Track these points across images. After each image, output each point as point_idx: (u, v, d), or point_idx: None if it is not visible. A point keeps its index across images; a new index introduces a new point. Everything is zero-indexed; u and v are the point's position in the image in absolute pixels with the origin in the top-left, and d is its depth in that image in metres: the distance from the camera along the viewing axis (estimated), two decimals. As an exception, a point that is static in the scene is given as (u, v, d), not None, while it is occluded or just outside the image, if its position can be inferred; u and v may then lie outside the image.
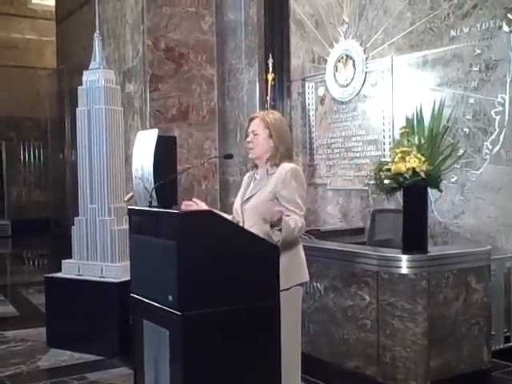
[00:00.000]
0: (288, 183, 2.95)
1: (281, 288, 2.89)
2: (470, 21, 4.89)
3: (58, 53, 12.91)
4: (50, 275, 5.37)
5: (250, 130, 3.09)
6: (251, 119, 3.12)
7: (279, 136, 3.06)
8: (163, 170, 3.23)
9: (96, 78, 5.21)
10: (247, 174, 3.25)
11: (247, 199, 3.07)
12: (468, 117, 4.90)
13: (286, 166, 3.01)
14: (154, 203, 3.06)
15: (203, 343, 2.66)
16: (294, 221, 2.88)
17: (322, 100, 6.42)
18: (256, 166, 3.16)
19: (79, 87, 5.33)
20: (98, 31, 5.41)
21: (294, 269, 3.03)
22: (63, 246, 6.58)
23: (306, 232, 4.71)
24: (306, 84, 6.59)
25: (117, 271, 4.97)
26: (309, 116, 6.56)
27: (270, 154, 3.05)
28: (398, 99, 5.48)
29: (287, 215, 2.89)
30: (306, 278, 3.13)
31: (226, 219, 2.96)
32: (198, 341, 2.64)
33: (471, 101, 4.88)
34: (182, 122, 7.14)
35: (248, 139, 3.08)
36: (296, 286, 3.05)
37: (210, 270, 2.67)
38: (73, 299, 5.02)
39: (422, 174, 3.57)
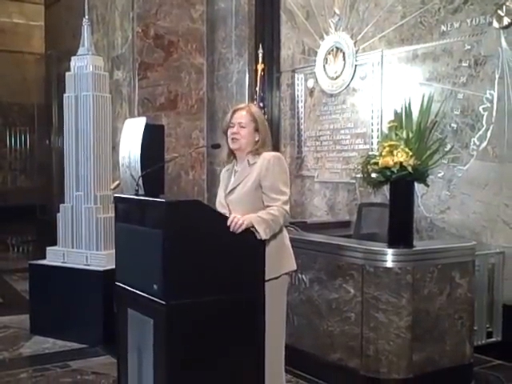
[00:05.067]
0: (271, 171, 2.98)
1: (270, 276, 2.93)
2: (461, 16, 4.89)
3: (47, 38, 12.75)
4: (35, 262, 5.34)
5: (235, 121, 3.08)
6: (235, 111, 3.12)
7: (264, 130, 3.12)
8: (150, 159, 3.22)
9: (84, 64, 5.16)
10: (225, 168, 3.24)
11: (231, 191, 3.07)
12: (456, 112, 4.91)
13: (268, 154, 3.04)
14: (141, 192, 3.05)
15: (187, 333, 2.66)
16: (273, 214, 2.87)
17: (311, 92, 6.41)
18: (235, 158, 3.16)
19: (67, 73, 5.28)
20: (86, 17, 5.36)
21: (282, 257, 3.06)
22: (48, 232, 6.54)
23: (293, 224, 4.72)
24: (296, 75, 6.57)
25: (102, 259, 4.95)
26: (298, 108, 6.55)
27: (252, 146, 3.07)
28: (387, 93, 5.48)
29: (269, 205, 2.93)
30: (294, 266, 3.16)
31: (212, 209, 2.96)
32: (182, 330, 2.65)
33: (460, 96, 4.89)
34: (170, 111, 7.11)
35: (234, 130, 3.06)
36: (284, 274, 3.08)
37: (196, 260, 2.68)
38: (57, 287, 5.00)
39: (409, 169, 3.58)
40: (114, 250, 3.26)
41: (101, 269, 4.90)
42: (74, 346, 4.81)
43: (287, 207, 2.96)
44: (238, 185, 3.05)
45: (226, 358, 2.77)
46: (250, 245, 2.81)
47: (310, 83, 6.39)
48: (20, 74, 14.13)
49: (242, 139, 3.06)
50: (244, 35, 6.91)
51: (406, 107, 3.77)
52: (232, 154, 3.16)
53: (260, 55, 6.43)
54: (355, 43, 5.82)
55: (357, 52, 5.80)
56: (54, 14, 11.53)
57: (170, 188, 6.55)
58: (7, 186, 14.69)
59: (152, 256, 2.69)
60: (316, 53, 6.26)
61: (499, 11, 4.61)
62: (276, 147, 6.50)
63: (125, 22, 7.22)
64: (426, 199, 5.07)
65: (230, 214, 2.95)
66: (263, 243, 2.84)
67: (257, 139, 3.08)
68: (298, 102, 6.56)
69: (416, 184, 3.83)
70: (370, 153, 4.88)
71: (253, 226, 2.80)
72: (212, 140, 7.10)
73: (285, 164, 3.08)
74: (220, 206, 3.10)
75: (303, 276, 4.07)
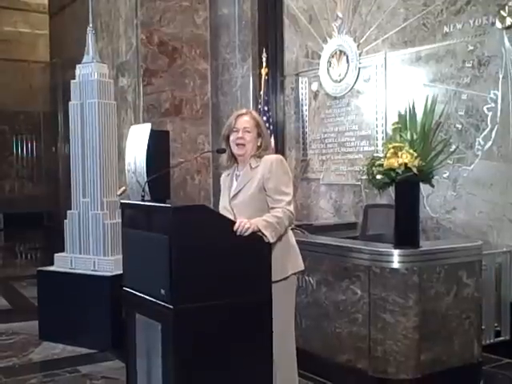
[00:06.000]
0: (274, 173, 3.01)
1: (279, 277, 2.97)
2: (463, 17, 4.90)
3: (51, 46, 12.86)
4: (43, 268, 5.37)
5: (240, 126, 3.09)
6: (240, 115, 3.13)
7: (266, 134, 3.18)
8: (156, 165, 3.25)
9: (89, 71, 5.19)
10: (225, 173, 3.26)
11: (235, 195, 3.09)
12: (460, 113, 4.92)
13: (270, 157, 3.08)
14: (147, 197, 3.07)
15: (195, 336, 2.67)
16: (277, 217, 2.90)
17: (315, 95, 6.42)
18: (236, 162, 3.18)
19: (72, 81, 5.31)
20: (91, 25, 5.39)
21: (289, 258, 3.09)
22: (56, 239, 6.58)
23: (299, 226, 4.73)
24: (300, 79, 6.60)
25: (109, 265, 4.97)
26: (302, 111, 6.57)
27: (255, 151, 3.10)
28: (391, 95, 5.49)
29: (273, 207, 2.96)
30: (302, 266, 3.18)
31: (218, 213, 2.99)
32: (190, 334, 2.66)
33: (464, 97, 4.90)
34: (175, 117, 7.14)
35: (239, 135, 3.08)
36: (292, 274, 3.11)
37: (202, 264, 2.69)
38: (65, 293, 5.02)
39: (414, 170, 3.59)
40: (121, 256, 3.28)
41: (108, 274, 4.92)
42: (83, 351, 4.83)
43: (291, 207, 2.99)
44: (241, 189, 3.07)
45: (235, 361, 2.78)
46: (256, 248, 2.83)
47: (314, 86, 6.41)
48: (25, 82, 14.22)
49: (248, 144, 3.08)
50: (247, 40, 6.94)
51: (409, 109, 3.78)
52: (233, 159, 3.18)
53: (264, 59, 6.46)
54: (358, 46, 5.83)
55: (360, 55, 5.82)
56: (59, 23, 11.62)
57: (175, 193, 6.58)
58: (14, 193, 14.77)
59: (159, 261, 2.70)
60: (319, 56, 6.28)
61: (502, 12, 4.62)
62: (281, 150, 6.53)
63: (129, 29, 7.26)
64: (431, 200, 5.07)
65: (234, 218, 2.97)
66: (269, 245, 2.86)
67: (259, 144, 3.11)
68: (302, 105, 6.58)
69: (421, 185, 3.84)
70: (375, 154, 4.90)
71: (259, 231, 2.82)
72: (217, 145, 7.10)
73: (286, 165, 3.11)
74: (224, 210, 3.11)
75: (310, 278, 4.08)
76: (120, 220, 3.26)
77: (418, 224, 3.83)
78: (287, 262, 3.06)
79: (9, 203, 14.20)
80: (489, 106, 4.72)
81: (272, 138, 6.04)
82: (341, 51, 6.03)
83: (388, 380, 3.62)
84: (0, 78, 13.74)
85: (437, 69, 5.12)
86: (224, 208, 3.14)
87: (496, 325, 4.46)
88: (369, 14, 5.73)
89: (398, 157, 3.61)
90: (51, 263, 5.35)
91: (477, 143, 4.80)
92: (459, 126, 4.92)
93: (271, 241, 2.85)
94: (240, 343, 2.79)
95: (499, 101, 4.66)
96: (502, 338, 4.46)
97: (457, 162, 4.88)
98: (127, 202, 3.24)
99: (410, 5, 5.32)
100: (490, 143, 4.72)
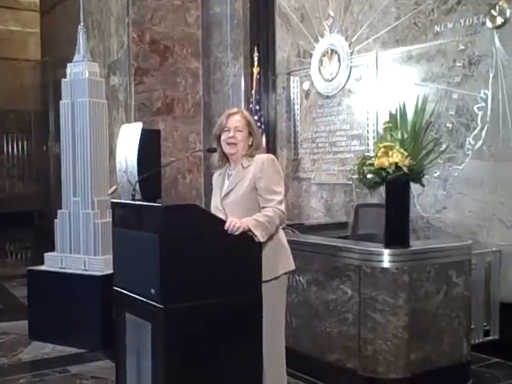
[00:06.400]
0: (265, 172, 3.02)
1: (270, 277, 2.97)
2: (454, 16, 4.92)
3: (42, 45, 12.79)
4: (33, 268, 5.35)
5: (231, 125, 3.10)
6: (230, 115, 3.14)
7: (257, 134, 3.20)
8: (147, 164, 3.23)
9: (80, 70, 5.18)
10: (217, 172, 3.27)
11: (226, 194, 3.10)
12: (451, 112, 4.93)
13: (262, 157, 3.09)
14: (138, 196, 3.06)
15: (185, 336, 2.67)
16: (268, 216, 2.90)
17: (306, 94, 6.43)
18: (228, 161, 3.18)
19: (63, 80, 5.30)
20: (82, 23, 5.38)
21: (280, 257, 3.10)
22: (46, 238, 6.54)
23: (290, 226, 4.73)
24: (291, 78, 6.60)
25: (100, 264, 4.96)
26: (294, 110, 6.57)
27: (246, 150, 3.11)
28: (383, 94, 5.50)
29: (264, 206, 2.96)
30: (293, 266, 3.19)
31: (209, 213, 2.99)
32: (180, 334, 2.66)
33: (454, 96, 4.91)
34: (167, 115, 7.12)
35: (230, 134, 3.09)
36: (283, 274, 3.11)
37: (193, 264, 2.69)
38: (55, 292, 5.01)
39: (405, 169, 3.60)
40: (111, 255, 3.27)
41: (99, 274, 4.91)
42: (73, 350, 4.82)
43: (282, 207, 2.99)
44: (233, 188, 3.08)
45: (224, 361, 2.78)
46: (247, 247, 2.83)
47: (306, 85, 6.41)
48: (16, 80, 14.12)
49: (239, 143, 3.09)
50: (239, 39, 6.92)
51: (400, 108, 3.79)
52: (225, 158, 3.18)
53: (255, 58, 6.46)
54: (350, 45, 5.84)
55: (352, 54, 5.82)
56: (50, 21, 11.55)
57: (167, 192, 6.57)
58: (5, 192, 14.67)
59: (149, 260, 2.70)
60: (311, 55, 6.28)
61: (492, 11, 4.63)
62: (272, 149, 6.53)
63: (120, 27, 7.23)
64: (422, 199, 5.08)
65: (226, 217, 2.96)
66: (259, 245, 2.86)
67: (250, 143, 3.12)
68: (293, 104, 6.58)
69: (412, 184, 3.85)
70: (366, 154, 4.90)
71: (249, 230, 2.82)
72: (209, 144, 7.10)
73: (278, 165, 3.12)
74: (216, 210, 3.11)
75: (300, 278, 4.09)
76: (111, 219, 3.25)
77: (409, 223, 3.83)
78: (278, 261, 3.06)
79: (-1, 202, 14.12)
80: (479, 105, 4.74)
81: (263, 137, 6.04)
82: (332, 50, 6.03)
83: (378, 379, 3.63)
84: (-10, 77, 13.66)
85: (428, 68, 5.13)
86: (216, 207, 3.14)
87: (485, 324, 4.48)
88: (360, 13, 5.73)
89: (388, 156, 3.62)
90: (42, 263, 5.33)
91: (467, 143, 4.82)
92: (450, 126, 4.93)
93: (261, 240, 2.86)
94: (230, 343, 2.79)
95: (489, 100, 4.67)
96: (490, 338, 4.48)
97: (447, 162, 4.89)
98: (118, 201, 3.23)
99: (402, 4, 5.33)
100: (480, 143, 4.74)
